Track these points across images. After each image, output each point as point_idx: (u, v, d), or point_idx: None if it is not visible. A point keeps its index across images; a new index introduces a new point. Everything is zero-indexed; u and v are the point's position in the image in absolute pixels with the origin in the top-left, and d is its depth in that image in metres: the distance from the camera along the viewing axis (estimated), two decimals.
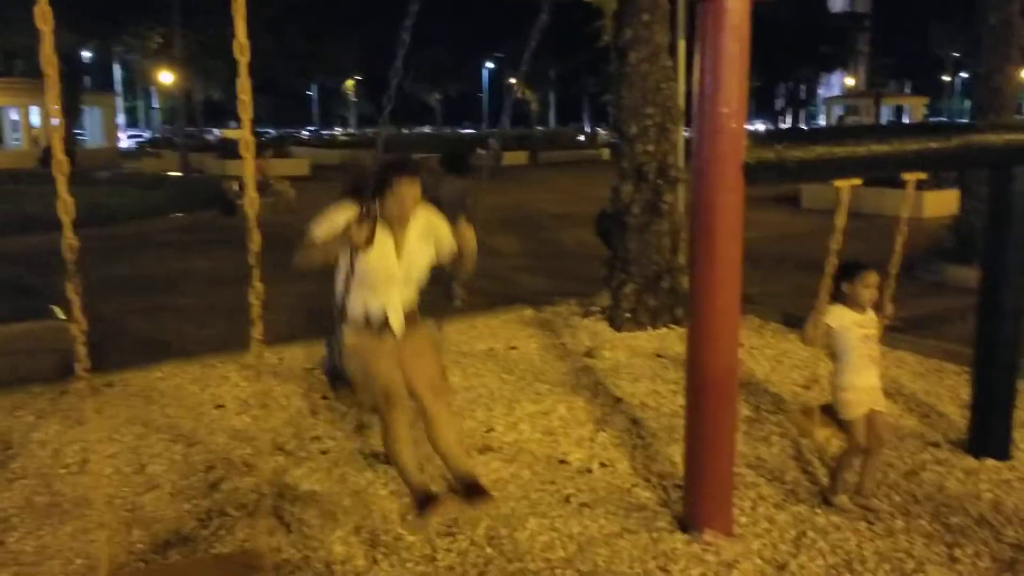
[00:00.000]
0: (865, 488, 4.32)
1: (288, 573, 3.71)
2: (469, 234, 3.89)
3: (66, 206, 2.72)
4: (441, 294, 6.83)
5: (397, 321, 3.88)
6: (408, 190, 3.76)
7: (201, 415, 5.67)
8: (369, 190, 3.68)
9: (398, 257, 3.83)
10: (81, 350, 2.85)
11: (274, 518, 4.19)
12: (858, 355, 4.17)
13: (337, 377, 4.16)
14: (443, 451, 3.88)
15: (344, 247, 3.69)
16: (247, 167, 2.93)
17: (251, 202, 2.97)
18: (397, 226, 3.82)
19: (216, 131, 55.17)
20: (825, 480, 4.52)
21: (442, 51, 68.67)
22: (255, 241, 2.94)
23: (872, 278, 4.18)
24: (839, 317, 4.16)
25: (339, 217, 3.71)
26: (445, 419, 3.88)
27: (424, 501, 3.77)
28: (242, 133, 2.95)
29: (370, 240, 3.65)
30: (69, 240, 2.76)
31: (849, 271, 4.17)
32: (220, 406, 5.83)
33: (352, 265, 3.75)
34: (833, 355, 4.28)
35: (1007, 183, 4.65)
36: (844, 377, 4.19)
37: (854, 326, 4.17)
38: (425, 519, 3.77)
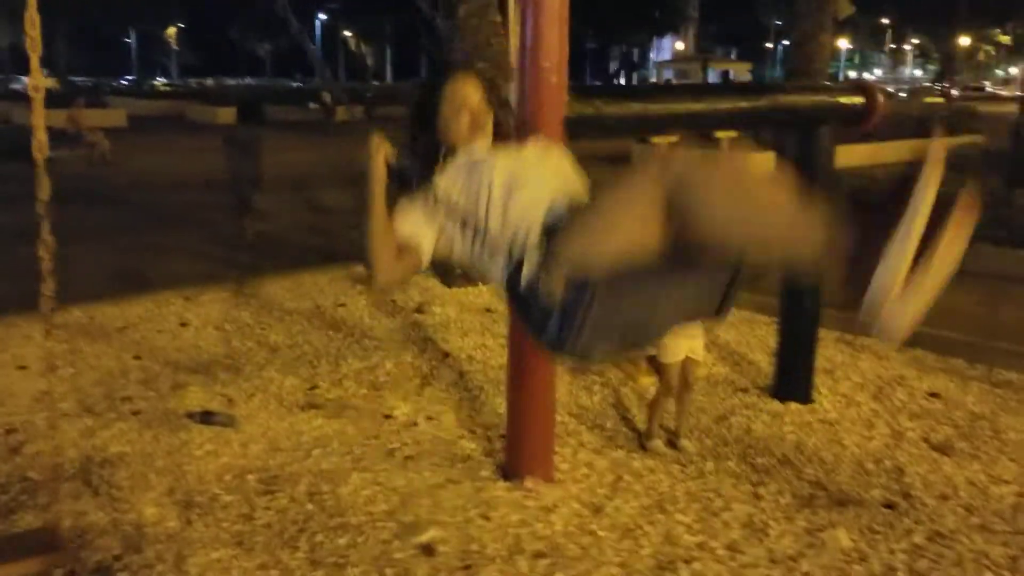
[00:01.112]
0: (680, 431, 4.52)
1: (94, 537, 3.53)
2: None
3: None
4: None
5: None
6: (463, 89, 2.58)
7: (2, 376, 5.31)
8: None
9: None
10: None
11: (80, 482, 3.99)
12: None
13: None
14: None
15: None
16: (36, 111, 2.73)
17: (40, 147, 2.76)
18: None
19: (24, 79, 51.48)
20: (643, 427, 4.69)
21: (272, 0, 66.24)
22: (43, 189, 2.74)
23: None
24: None
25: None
26: None
27: None
28: (31, 76, 2.75)
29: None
30: None
31: None
32: (23, 367, 5.47)
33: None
34: None
35: (811, 143, 4.90)
36: None
37: None
38: None
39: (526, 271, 2.18)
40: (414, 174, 2.47)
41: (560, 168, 2.52)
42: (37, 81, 2.77)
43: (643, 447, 4.48)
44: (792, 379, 5.13)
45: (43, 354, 5.59)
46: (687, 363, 4.44)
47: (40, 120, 2.77)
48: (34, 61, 2.78)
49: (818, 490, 4.06)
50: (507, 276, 2.25)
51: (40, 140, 2.78)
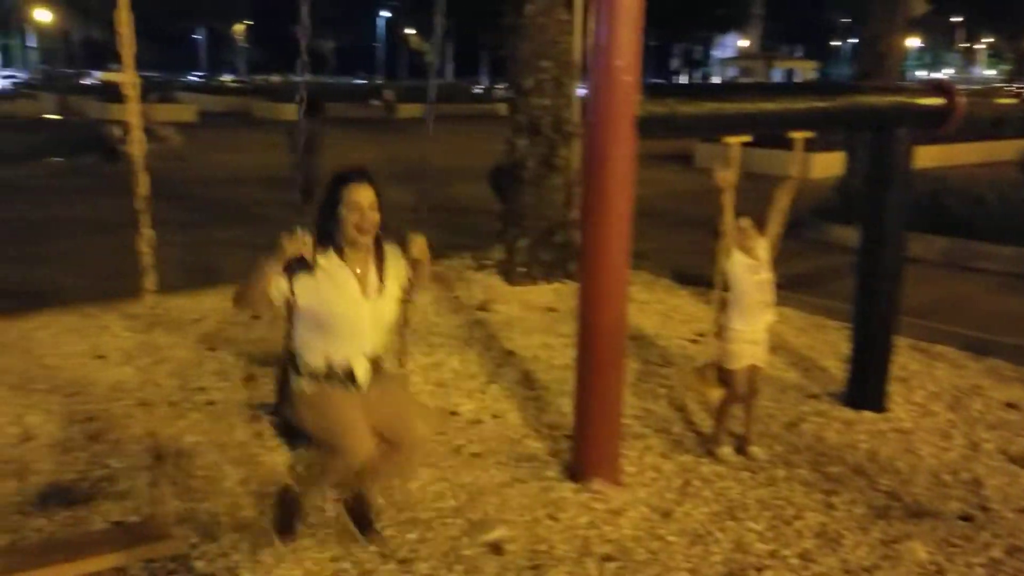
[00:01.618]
0: (749, 438, 4.46)
1: (172, 525, 3.60)
2: (419, 242, 3.39)
3: None
4: None
5: (364, 373, 3.25)
6: (362, 194, 3.12)
7: (80, 365, 5.46)
8: (320, 218, 3.14)
9: (363, 297, 3.18)
10: None
11: (158, 470, 4.07)
12: (753, 300, 4.28)
13: (290, 431, 3.48)
14: (379, 473, 3.43)
15: (293, 287, 3.09)
16: (130, 107, 2.78)
17: (137, 143, 2.82)
18: (359, 258, 3.18)
19: (96, 73, 52.71)
20: (710, 432, 4.64)
21: None
22: (142, 184, 2.79)
23: (747, 221, 4.27)
24: (737, 261, 4.25)
25: (287, 246, 3.05)
26: (404, 455, 3.37)
27: (291, 525, 3.47)
28: (124, 72, 2.80)
29: (310, 260, 3.08)
30: None
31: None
32: (101, 356, 5.61)
33: (305, 310, 3.13)
34: (729, 300, 4.34)
35: (888, 144, 4.80)
36: (734, 326, 4.29)
37: (749, 272, 4.25)
38: (273, 541, 3.42)
39: None
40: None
41: None
42: (133, 81, 2.82)
43: (711, 453, 4.44)
44: (865, 386, 5.04)
45: (125, 345, 5.77)
46: (752, 369, 4.38)
47: (137, 119, 2.82)
48: (127, 62, 2.83)
49: (893, 501, 3.99)
50: None
51: (138, 138, 2.83)
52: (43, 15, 34.16)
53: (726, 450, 4.43)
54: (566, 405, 4.89)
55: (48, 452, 4.28)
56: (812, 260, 8.89)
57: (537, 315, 6.87)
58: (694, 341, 6.24)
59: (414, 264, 3.38)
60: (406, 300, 3.43)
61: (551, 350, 6.01)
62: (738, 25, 59.39)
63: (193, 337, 6.03)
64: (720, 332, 4.38)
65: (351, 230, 3.11)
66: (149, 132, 18.06)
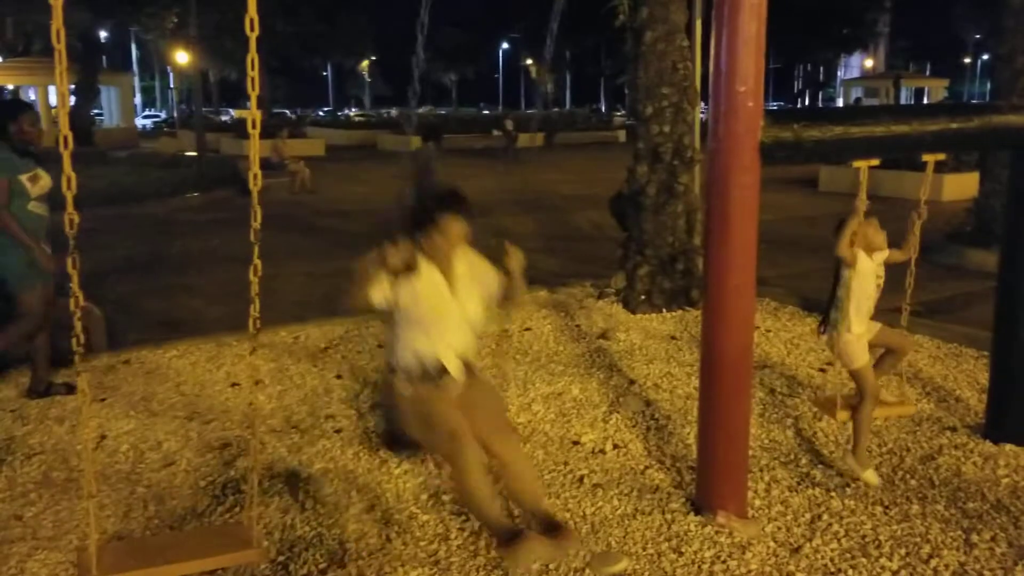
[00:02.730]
0: None
1: (302, 550, 3.72)
2: (516, 255, 3.59)
3: (69, 181, 2.72)
4: None
5: (456, 367, 3.49)
6: (455, 226, 3.42)
7: (216, 393, 5.69)
8: (413, 224, 3.45)
9: (452, 294, 3.47)
10: (78, 324, 2.85)
11: (288, 496, 4.21)
12: (871, 302, 4.31)
13: (397, 441, 4.02)
14: (519, 494, 3.47)
15: (392, 288, 3.36)
16: (253, 142, 2.92)
17: (254, 177, 2.95)
18: (444, 264, 3.47)
19: (231, 111, 55.22)
20: (842, 465, 4.49)
21: (458, 31, 68.43)
22: (257, 218, 2.91)
23: (873, 224, 4.29)
24: (861, 264, 4.25)
25: (385, 255, 3.33)
26: (520, 462, 3.52)
27: (512, 536, 3.20)
28: (251, 109, 2.94)
29: (411, 265, 3.36)
30: (70, 214, 2.75)
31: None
32: (235, 384, 5.85)
33: (402, 308, 3.40)
34: (845, 305, 4.28)
35: None
36: (849, 324, 4.27)
37: (871, 275, 4.30)
38: (517, 555, 3.16)
39: None
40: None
41: None
42: (256, 117, 2.96)
43: (854, 477, 4.32)
44: (1006, 418, 4.79)
45: (257, 373, 5.99)
46: (882, 332, 4.44)
47: (256, 153, 2.95)
48: (253, 99, 2.97)
49: None
50: None
51: (255, 172, 2.97)
52: (182, 57, 36.02)
53: (870, 473, 4.31)
54: (690, 435, 4.83)
55: (185, 477, 4.48)
56: (947, 285, 8.55)
57: (659, 343, 6.80)
58: (822, 370, 6.07)
59: (508, 274, 3.60)
60: (498, 308, 3.69)
61: (673, 379, 5.93)
62: (863, 44, 57.77)
63: (321, 365, 6.21)
64: (836, 338, 4.34)
65: (439, 249, 3.43)
66: (281, 167, 18.87)
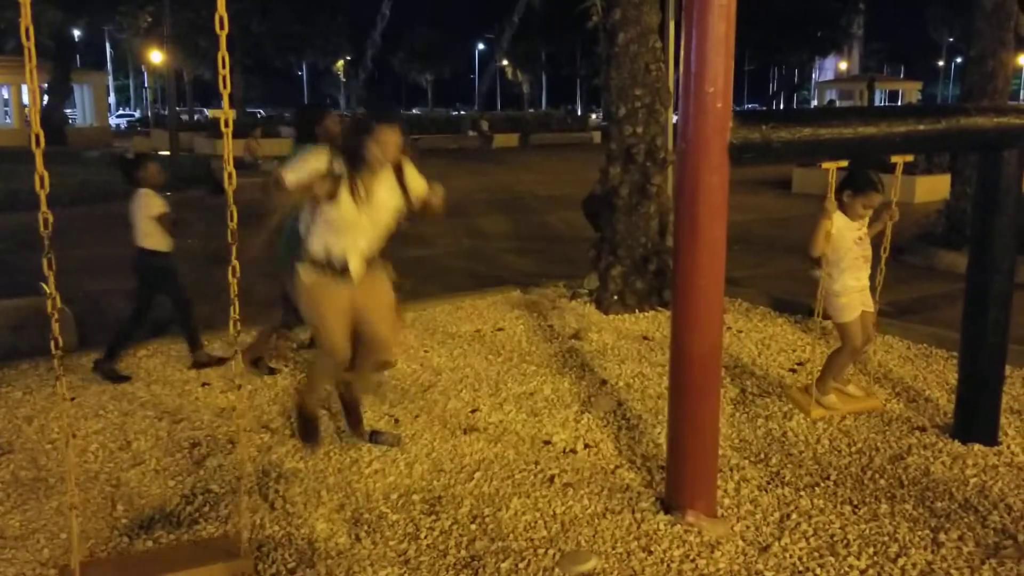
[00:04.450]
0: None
1: (271, 550, 3.70)
2: (438, 190, 4.21)
3: (42, 180, 2.69)
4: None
5: (357, 267, 4.09)
6: (391, 137, 3.92)
7: (186, 392, 5.65)
8: (349, 138, 4.01)
9: (366, 202, 3.98)
10: (56, 325, 2.82)
11: (258, 495, 4.18)
12: (853, 256, 4.70)
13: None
14: (372, 344, 4.35)
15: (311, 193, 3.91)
16: (226, 141, 2.90)
17: (228, 176, 2.93)
18: (370, 173, 3.97)
19: (205, 111, 54.84)
20: (811, 465, 4.53)
21: (434, 32, 68.40)
22: (233, 218, 2.90)
23: (876, 199, 4.72)
24: (837, 223, 4.65)
25: (311, 165, 3.90)
26: (383, 333, 4.33)
27: (312, 433, 4.51)
28: (223, 108, 2.93)
29: (333, 194, 3.88)
30: (44, 213, 2.73)
31: (859, 185, 4.70)
32: (206, 384, 5.81)
33: (322, 209, 3.96)
34: (829, 261, 4.75)
35: (996, 167, 4.63)
36: (839, 281, 4.73)
37: (848, 230, 4.71)
38: (312, 449, 4.54)
39: None
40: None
41: None
42: (228, 116, 2.95)
43: (817, 403, 4.88)
44: (975, 418, 4.83)
45: (229, 372, 5.96)
46: (864, 316, 4.79)
47: (230, 152, 2.94)
48: (225, 98, 2.96)
49: (1005, 539, 3.81)
50: None
51: (229, 171, 2.95)
52: (156, 56, 35.77)
53: (832, 398, 4.87)
54: (661, 435, 4.84)
55: (155, 477, 4.44)
56: (917, 286, 8.63)
57: (631, 343, 6.82)
58: (792, 370, 6.10)
59: (427, 198, 4.19)
60: (407, 218, 4.24)
61: (645, 379, 5.95)
62: (837, 47, 58.22)
63: (294, 365, 6.18)
64: (826, 295, 4.79)
65: (374, 159, 3.93)
66: (252, 165, 18.76)
